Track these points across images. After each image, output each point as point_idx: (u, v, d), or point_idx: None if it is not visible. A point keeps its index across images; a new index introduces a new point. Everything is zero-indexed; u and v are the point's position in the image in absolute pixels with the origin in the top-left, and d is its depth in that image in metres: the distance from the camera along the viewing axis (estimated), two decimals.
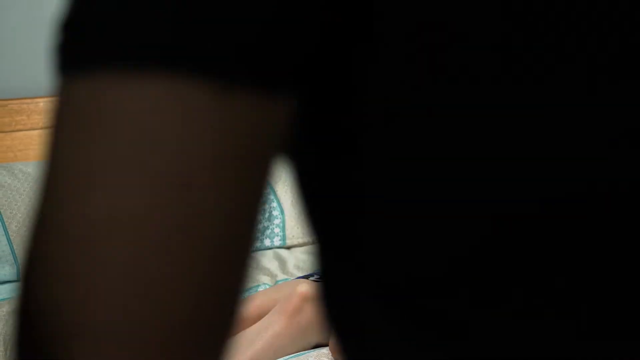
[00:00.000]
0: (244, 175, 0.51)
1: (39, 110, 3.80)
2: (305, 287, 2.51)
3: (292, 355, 2.46)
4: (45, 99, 3.82)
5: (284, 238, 3.67)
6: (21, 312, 0.53)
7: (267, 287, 3.02)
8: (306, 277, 2.80)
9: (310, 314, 2.50)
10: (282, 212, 3.65)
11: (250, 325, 2.54)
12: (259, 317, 2.56)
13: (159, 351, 0.49)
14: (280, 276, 3.36)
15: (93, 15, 0.50)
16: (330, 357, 2.42)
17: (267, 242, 3.65)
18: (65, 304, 0.50)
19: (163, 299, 0.48)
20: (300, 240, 3.63)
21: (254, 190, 0.52)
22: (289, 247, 3.69)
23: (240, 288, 0.52)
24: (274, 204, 3.60)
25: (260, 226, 0.53)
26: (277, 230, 3.67)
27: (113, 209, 0.48)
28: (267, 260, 3.51)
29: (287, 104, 0.52)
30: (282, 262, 3.51)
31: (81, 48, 0.50)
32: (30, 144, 3.81)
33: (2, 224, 3.48)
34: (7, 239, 3.47)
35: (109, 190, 0.48)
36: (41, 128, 3.81)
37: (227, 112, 0.49)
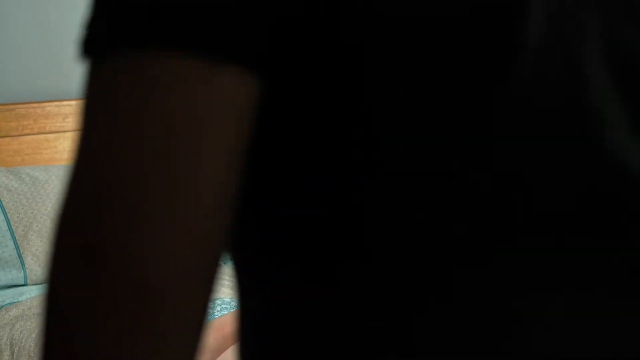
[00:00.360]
0: (224, 131, 0.62)
1: (45, 115, 3.80)
2: None
3: None
4: (52, 104, 3.82)
5: None
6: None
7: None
8: None
9: None
10: None
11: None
12: None
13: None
14: None
15: (103, 15, 0.64)
16: None
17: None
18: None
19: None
20: None
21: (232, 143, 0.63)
22: None
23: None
24: None
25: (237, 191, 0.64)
26: None
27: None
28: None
29: (257, 82, 0.63)
30: None
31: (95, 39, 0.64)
32: (37, 148, 3.81)
33: (9, 228, 3.48)
34: (14, 244, 3.47)
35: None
36: (48, 132, 3.81)
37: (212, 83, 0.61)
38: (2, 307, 3.21)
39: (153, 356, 0.61)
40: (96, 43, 0.63)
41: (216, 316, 2.75)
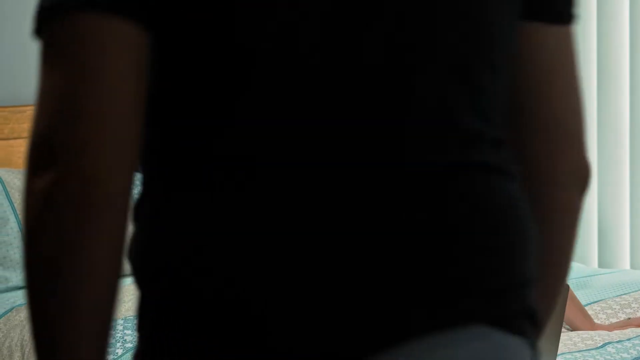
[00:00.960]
0: (125, 71, 0.96)
1: None
2: None
3: None
4: None
5: None
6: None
7: None
8: None
9: None
10: None
11: None
12: None
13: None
14: None
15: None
16: None
17: None
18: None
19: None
20: None
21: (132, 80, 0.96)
22: None
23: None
24: None
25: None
26: None
27: None
28: None
29: (142, 35, 0.97)
30: None
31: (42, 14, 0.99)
32: None
33: (20, 229, 3.49)
34: None
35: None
36: None
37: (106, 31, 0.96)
38: (13, 308, 3.21)
39: (97, 217, 0.95)
40: (43, 13, 0.98)
41: None
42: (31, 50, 3.87)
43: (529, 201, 1.06)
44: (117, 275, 0.97)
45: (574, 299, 2.65)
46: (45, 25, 0.97)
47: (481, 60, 1.02)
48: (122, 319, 2.75)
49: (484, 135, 1.02)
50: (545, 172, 1.11)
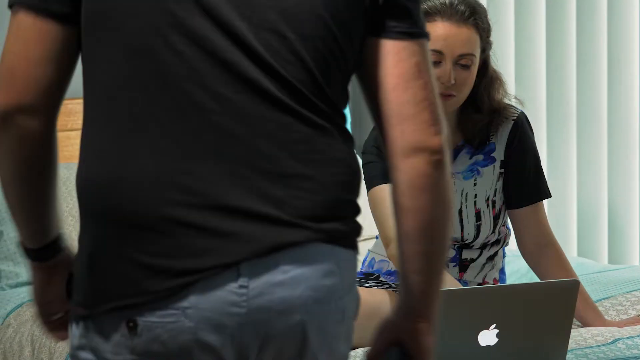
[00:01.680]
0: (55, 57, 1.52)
1: (68, 112, 3.81)
2: None
3: None
4: (75, 101, 3.82)
5: None
6: None
7: None
8: None
9: None
10: None
11: None
12: None
13: None
14: None
15: None
16: None
17: None
18: None
19: None
20: None
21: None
22: None
23: None
24: None
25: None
26: None
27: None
28: None
29: (58, 29, 1.51)
30: None
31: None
32: (59, 146, 3.81)
33: None
34: None
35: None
36: (70, 130, 3.81)
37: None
38: (23, 303, 3.22)
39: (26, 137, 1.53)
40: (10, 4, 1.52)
41: None
42: None
43: (390, 170, 1.55)
44: (25, 179, 1.55)
45: (585, 294, 2.65)
46: (10, 6, 1.52)
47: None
48: None
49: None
50: (392, 146, 1.54)
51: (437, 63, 2.56)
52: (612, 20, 3.87)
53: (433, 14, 2.57)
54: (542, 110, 4.10)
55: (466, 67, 2.58)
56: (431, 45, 2.53)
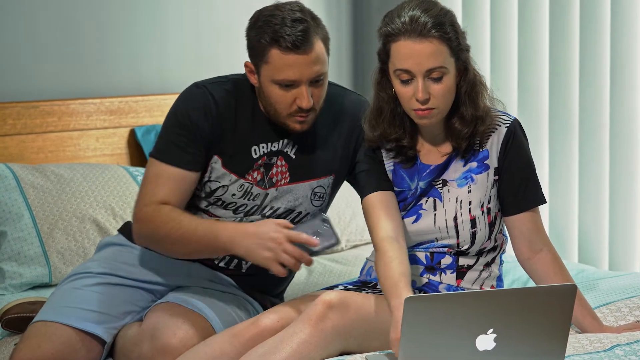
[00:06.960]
0: None
1: (69, 112, 3.82)
2: (330, 296, 2.50)
3: None
4: (76, 101, 3.84)
5: None
6: None
7: None
8: (331, 288, 2.80)
9: (334, 322, 2.49)
10: None
11: (275, 334, 2.54)
12: (283, 326, 2.56)
13: None
14: None
15: None
16: None
17: None
18: None
19: None
20: None
21: None
22: None
23: None
24: None
25: None
26: None
27: None
28: None
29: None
30: None
31: None
32: (61, 146, 3.83)
33: (34, 225, 3.49)
34: (40, 241, 3.48)
35: None
36: (72, 130, 3.82)
37: None
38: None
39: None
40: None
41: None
42: (37, 49, 3.88)
43: None
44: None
45: (583, 300, 2.65)
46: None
47: None
48: None
49: None
50: None
51: (409, 81, 2.56)
52: (615, 27, 3.87)
53: (396, 34, 2.56)
54: (544, 117, 4.10)
55: (438, 80, 2.57)
56: (399, 64, 2.56)
